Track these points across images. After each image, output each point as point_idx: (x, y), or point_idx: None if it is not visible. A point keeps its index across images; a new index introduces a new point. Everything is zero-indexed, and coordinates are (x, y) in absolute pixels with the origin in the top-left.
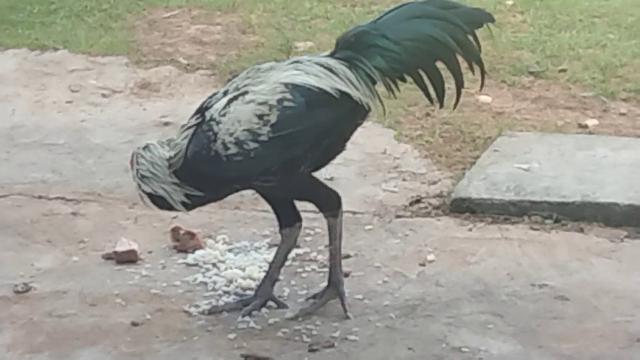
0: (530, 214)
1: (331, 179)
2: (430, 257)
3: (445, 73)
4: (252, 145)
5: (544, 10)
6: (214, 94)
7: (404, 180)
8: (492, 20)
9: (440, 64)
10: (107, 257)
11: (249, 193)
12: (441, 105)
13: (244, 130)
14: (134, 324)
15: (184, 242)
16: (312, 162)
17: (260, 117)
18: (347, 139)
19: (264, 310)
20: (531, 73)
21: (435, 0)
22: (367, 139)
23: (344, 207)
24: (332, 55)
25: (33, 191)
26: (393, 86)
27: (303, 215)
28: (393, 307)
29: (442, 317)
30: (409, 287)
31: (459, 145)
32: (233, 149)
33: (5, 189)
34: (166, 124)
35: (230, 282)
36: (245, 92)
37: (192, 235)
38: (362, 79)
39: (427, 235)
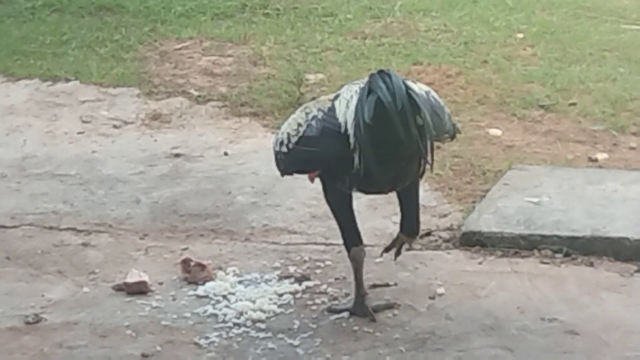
0: (540, 247)
1: None
2: (440, 290)
3: None
4: (282, 148)
5: (554, 43)
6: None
7: None
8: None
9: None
10: (118, 289)
11: (259, 225)
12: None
13: (284, 132)
14: (144, 356)
15: (195, 274)
16: (351, 186)
17: (297, 125)
18: (381, 179)
19: (273, 344)
20: (541, 106)
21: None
22: None
23: None
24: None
25: (44, 222)
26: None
27: (313, 247)
28: (403, 341)
29: (452, 351)
30: (419, 320)
31: (469, 178)
32: (276, 147)
33: (17, 219)
34: (177, 155)
35: (241, 314)
36: (318, 98)
37: (202, 267)
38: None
39: (437, 268)
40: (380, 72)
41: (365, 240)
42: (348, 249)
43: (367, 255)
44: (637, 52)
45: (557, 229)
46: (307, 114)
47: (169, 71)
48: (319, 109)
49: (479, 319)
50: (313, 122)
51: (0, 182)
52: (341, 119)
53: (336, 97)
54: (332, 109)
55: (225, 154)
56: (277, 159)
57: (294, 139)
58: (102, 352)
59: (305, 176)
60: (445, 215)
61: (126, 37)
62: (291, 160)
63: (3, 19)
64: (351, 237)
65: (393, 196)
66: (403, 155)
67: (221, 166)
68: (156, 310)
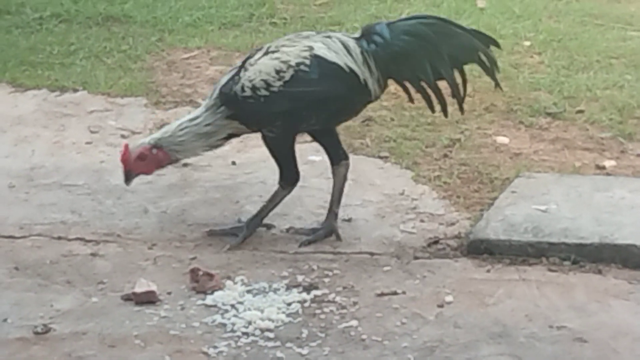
0: (548, 255)
1: (349, 220)
2: (449, 298)
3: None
4: (264, 92)
5: (562, 51)
6: (259, 48)
7: (422, 221)
8: (496, 45)
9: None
10: (126, 298)
11: (267, 234)
12: (432, 110)
13: (261, 79)
14: None
15: (203, 283)
16: (316, 123)
17: (277, 72)
18: (354, 113)
19: (281, 353)
20: (549, 114)
21: (448, 23)
22: (385, 180)
23: (363, 247)
24: (355, 39)
25: (52, 232)
26: (383, 85)
27: (321, 256)
28: (411, 349)
29: (460, 359)
30: (427, 328)
31: (476, 186)
32: (248, 92)
33: (25, 229)
34: (185, 164)
35: (249, 323)
36: (277, 50)
37: (210, 276)
38: (371, 67)
39: (445, 276)
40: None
41: (372, 249)
42: (285, 186)
43: (375, 264)
44: None
45: (565, 237)
46: (284, 62)
47: (176, 81)
48: (299, 62)
49: (487, 327)
50: (303, 67)
51: (8, 193)
52: (340, 62)
53: (311, 49)
54: (317, 56)
55: (233, 163)
56: (245, 104)
57: (277, 83)
58: None
59: (313, 185)
60: (452, 224)
61: (134, 47)
62: (284, 99)
63: (11, 30)
64: (294, 173)
65: (400, 205)
66: None
67: (229, 175)
68: (165, 319)
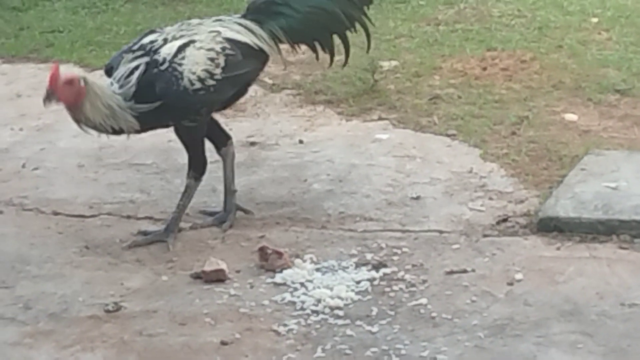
0: (619, 232)
1: (417, 197)
2: (519, 276)
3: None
4: (210, 82)
5: (630, 27)
6: (152, 40)
7: (490, 199)
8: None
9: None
10: (196, 277)
11: (335, 212)
12: (330, 65)
13: (202, 70)
14: (224, 343)
15: (272, 262)
16: (222, 105)
17: (212, 60)
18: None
19: (351, 331)
20: (617, 91)
21: None
22: (453, 158)
23: (432, 225)
24: (244, 17)
25: (122, 211)
26: (296, 46)
27: (389, 234)
28: (482, 327)
29: (531, 337)
30: (498, 306)
31: (545, 164)
32: (197, 85)
33: (95, 209)
34: (252, 143)
35: (319, 301)
36: (192, 41)
37: (279, 254)
38: (270, 36)
39: (514, 254)
40: None
41: (441, 227)
42: (198, 177)
43: (444, 242)
44: None
45: (635, 214)
46: (210, 50)
47: None
48: (222, 47)
49: (557, 304)
50: (229, 52)
51: (78, 172)
52: (249, 41)
53: (219, 34)
54: (230, 39)
55: (300, 141)
56: (196, 96)
57: (217, 70)
58: (181, 339)
59: (380, 163)
60: (522, 201)
61: None
62: (228, 85)
63: (77, 10)
64: (203, 162)
65: (468, 183)
66: None
67: (296, 154)
68: (234, 298)
